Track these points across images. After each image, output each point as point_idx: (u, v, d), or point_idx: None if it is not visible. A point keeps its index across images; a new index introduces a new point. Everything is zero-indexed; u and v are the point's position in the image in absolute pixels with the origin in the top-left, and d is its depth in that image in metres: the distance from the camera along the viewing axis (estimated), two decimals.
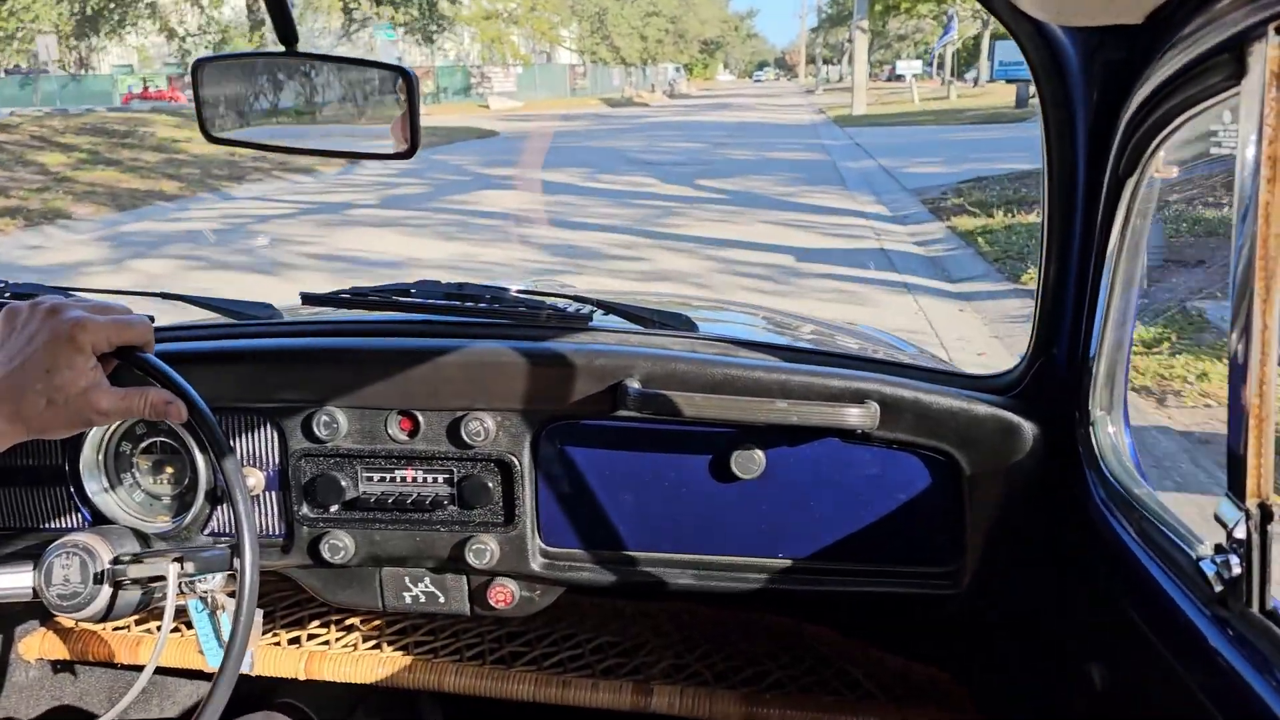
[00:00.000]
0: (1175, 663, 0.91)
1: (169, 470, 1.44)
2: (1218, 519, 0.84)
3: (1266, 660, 0.79)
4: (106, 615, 1.15)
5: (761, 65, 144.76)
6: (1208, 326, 5.54)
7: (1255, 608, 0.82)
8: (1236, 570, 0.83)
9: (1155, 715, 0.97)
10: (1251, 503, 0.80)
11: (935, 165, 15.72)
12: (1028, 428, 1.27)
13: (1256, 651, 0.81)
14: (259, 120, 1.19)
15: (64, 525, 1.44)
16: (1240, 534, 0.81)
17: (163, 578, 1.12)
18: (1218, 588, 0.86)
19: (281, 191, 15.70)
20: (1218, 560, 0.86)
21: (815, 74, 79.50)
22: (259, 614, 1.17)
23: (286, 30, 1.00)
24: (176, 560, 1.12)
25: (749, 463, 1.32)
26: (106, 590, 1.13)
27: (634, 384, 1.30)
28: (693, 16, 76.42)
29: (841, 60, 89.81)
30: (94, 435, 1.43)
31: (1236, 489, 0.81)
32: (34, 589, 1.15)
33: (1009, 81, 35.34)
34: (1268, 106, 0.74)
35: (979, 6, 1.31)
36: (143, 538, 1.24)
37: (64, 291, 1.37)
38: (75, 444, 1.42)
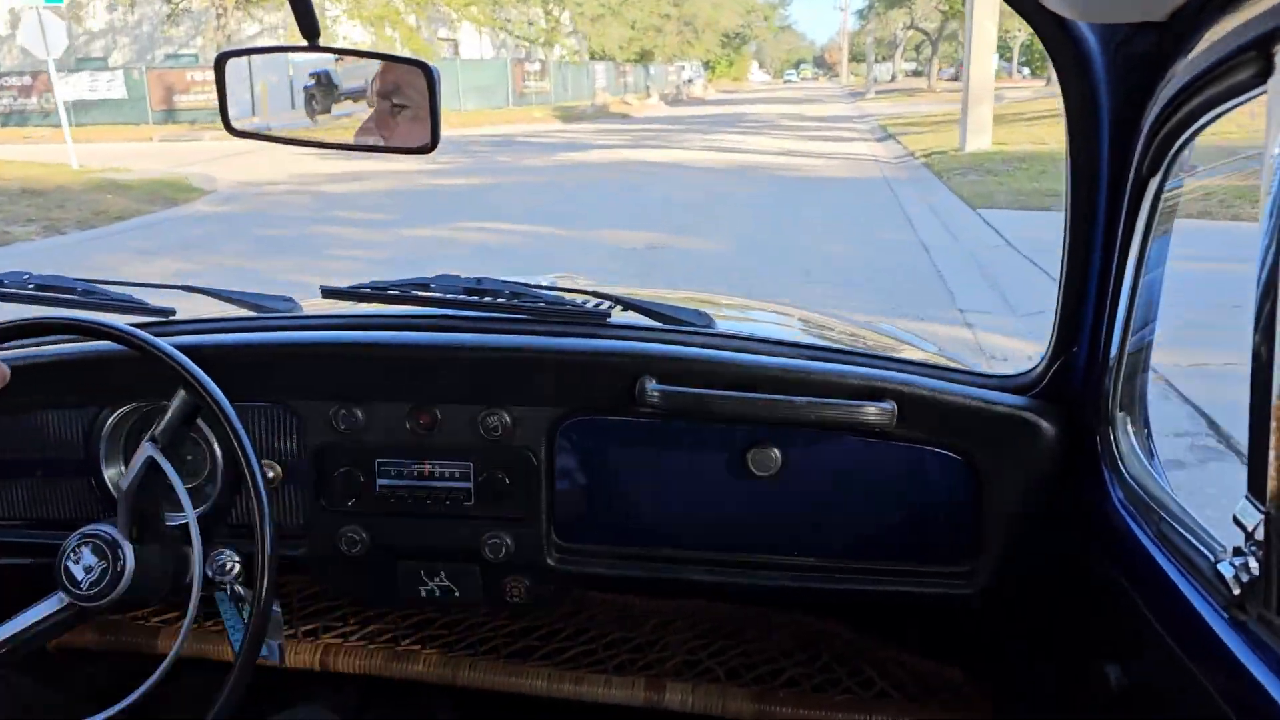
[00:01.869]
0: (1192, 665, 0.91)
1: (188, 461, 1.45)
2: (1236, 521, 0.83)
3: None
4: (134, 582, 1.13)
5: (798, 64, 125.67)
6: None
7: (1274, 611, 0.81)
8: (1255, 572, 0.82)
9: (1171, 717, 0.97)
10: (1272, 505, 0.78)
11: None
12: (1046, 427, 1.26)
13: (1274, 655, 0.80)
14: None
15: (82, 517, 1.44)
16: (1260, 536, 0.80)
17: (171, 489, 1.11)
18: (1236, 590, 0.85)
19: None
20: (1236, 563, 0.85)
21: (868, 72, 62.12)
22: (275, 606, 1.14)
23: (309, 24, 1.02)
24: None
25: (766, 460, 1.32)
26: (128, 549, 1.12)
27: (652, 381, 1.30)
28: (703, 0, 58.76)
29: (894, 56, 72.26)
30: (111, 428, 1.44)
31: (1257, 491, 0.80)
32: (69, 602, 1.13)
33: None
34: None
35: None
36: None
37: (90, 283, 1.43)
38: (94, 436, 1.43)
